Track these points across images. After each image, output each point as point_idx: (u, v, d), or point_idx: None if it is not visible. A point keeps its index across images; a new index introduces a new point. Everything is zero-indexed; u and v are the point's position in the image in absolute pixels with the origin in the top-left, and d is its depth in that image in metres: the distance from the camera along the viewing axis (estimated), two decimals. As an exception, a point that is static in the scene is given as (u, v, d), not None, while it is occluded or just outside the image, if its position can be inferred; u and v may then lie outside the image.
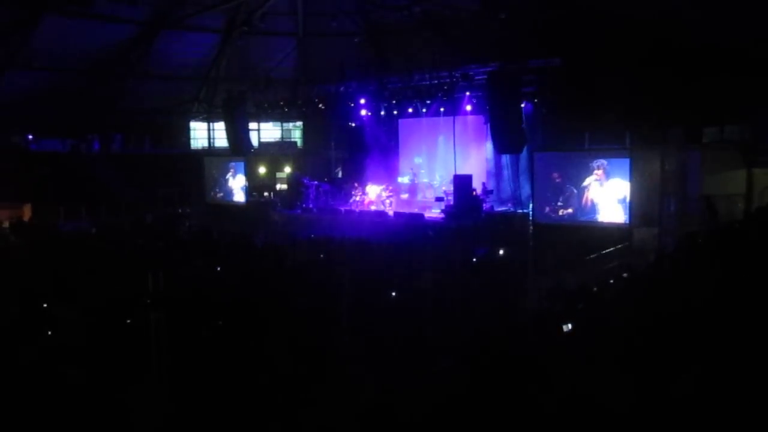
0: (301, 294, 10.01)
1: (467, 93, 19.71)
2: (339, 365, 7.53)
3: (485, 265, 12.89)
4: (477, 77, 18.71)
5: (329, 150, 25.71)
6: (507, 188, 19.88)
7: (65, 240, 16.29)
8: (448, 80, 19.39)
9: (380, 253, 13.99)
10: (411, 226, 18.18)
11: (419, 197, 21.50)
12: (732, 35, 15.28)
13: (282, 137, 28.41)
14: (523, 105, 17.89)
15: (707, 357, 4.94)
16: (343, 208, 20.98)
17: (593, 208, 15.75)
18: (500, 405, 5.23)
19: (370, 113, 22.84)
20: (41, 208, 20.10)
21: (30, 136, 23.45)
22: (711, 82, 14.95)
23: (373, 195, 21.46)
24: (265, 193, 24.45)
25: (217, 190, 24.86)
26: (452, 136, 19.53)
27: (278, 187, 24.82)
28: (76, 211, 20.35)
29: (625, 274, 11.02)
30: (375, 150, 22.96)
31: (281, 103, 24.06)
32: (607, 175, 15.47)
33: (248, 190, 23.66)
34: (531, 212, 17.01)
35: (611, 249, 14.03)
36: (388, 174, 22.29)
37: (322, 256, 13.79)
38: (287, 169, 25.22)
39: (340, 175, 25.71)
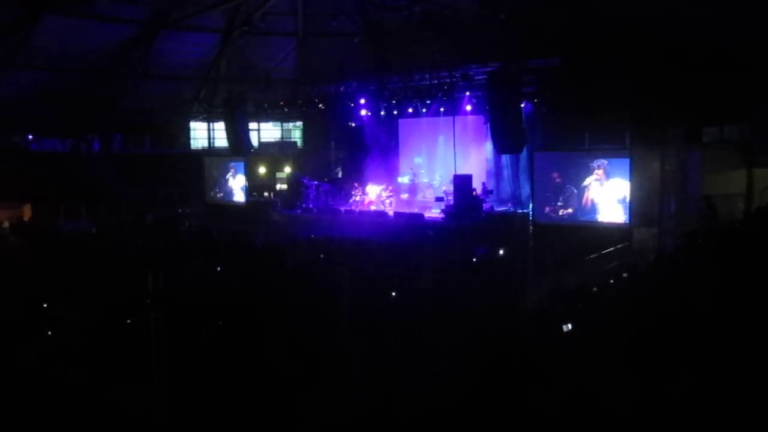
0: (301, 294, 10.02)
1: (467, 93, 19.69)
2: (339, 365, 7.53)
3: (485, 265, 12.89)
4: (477, 77, 18.70)
5: (329, 150, 25.71)
6: (507, 188, 19.87)
7: (65, 240, 16.31)
8: (448, 80, 19.38)
9: (380, 253, 13.99)
10: (411, 226, 18.17)
11: (419, 197, 21.49)
12: (732, 35, 15.27)
13: (282, 137, 28.41)
14: (523, 105, 17.87)
15: (707, 357, 4.94)
16: (343, 208, 20.98)
17: (593, 208, 15.75)
18: (500, 405, 5.23)
19: (370, 113, 22.83)
20: (41, 208, 20.10)
21: (30, 136, 23.46)
22: (711, 82, 14.95)
23: (373, 195, 21.45)
24: (265, 193, 24.46)
25: (217, 190, 24.86)
26: (452, 136, 19.51)
27: (278, 187, 24.83)
28: (76, 211, 20.36)
29: (625, 274, 11.02)
30: (375, 150, 22.95)
31: (281, 103, 24.04)
32: (608, 174, 15.47)
33: (248, 190, 23.67)
34: (531, 212, 17.01)
35: (611, 249, 14.03)
36: (388, 174, 22.28)
37: (322, 256, 13.80)
38: (287, 169, 25.22)
39: (340, 175, 25.70)
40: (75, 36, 21.50)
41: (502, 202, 19.84)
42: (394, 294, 10.24)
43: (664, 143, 15.60)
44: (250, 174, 23.85)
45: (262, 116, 26.22)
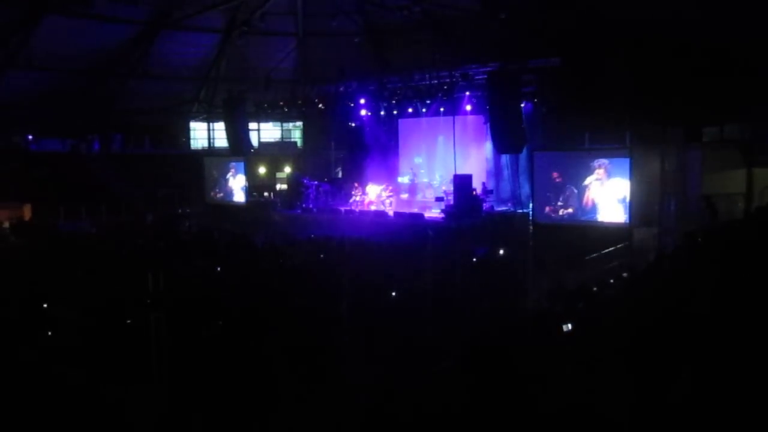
0: (300, 294, 10.02)
1: (467, 93, 19.70)
2: (339, 365, 7.53)
3: (485, 265, 12.89)
4: (477, 77, 18.70)
5: (329, 150, 25.70)
6: (507, 188, 19.88)
7: (65, 240, 16.31)
8: (448, 80, 19.38)
9: (380, 253, 13.99)
10: (411, 226, 18.16)
11: (419, 197, 21.49)
12: (732, 35, 15.27)
13: (282, 137, 28.43)
14: (522, 105, 17.88)
15: (707, 357, 4.94)
16: (343, 208, 20.98)
17: (594, 208, 15.75)
18: (500, 405, 5.23)
19: (370, 113, 22.83)
20: (41, 208, 20.10)
21: (30, 136, 23.46)
22: (711, 81, 14.95)
23: (373, 195, 21.45)
24: (265, 193, 24.46)
25: (217, 190, 24.86)
26: (452, 135, 19.51)
27: (278, 187, 24.83)
28: (76, 211, 20.35)
29: (625, 274, 11.03)
30: (375, 150, 22.95)
31: (281, 103, 24.04)
32: (609, 174, 15.45)
33: (248, 190, 23.66)
34: (531, 212, 17.00)
35: (611, 249, 14.03)
36: (388, 174, 22.28)
37: (322, 256, 13.80)
38: (287, 169, 25.23)
39: (340, 175, 25.70)
40: (75, 36, 21.50)
41: (502, 202, 19.84)
42: (394, 294, 10.24)
43: (664, 143, 15.60)
44: (250, 174, 23.85)
45: (262, 116, 26.22)
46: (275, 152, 26.18)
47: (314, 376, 7.25)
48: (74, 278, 11.13)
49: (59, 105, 22.57)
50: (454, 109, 19.90)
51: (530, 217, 16.86)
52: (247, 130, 24.45)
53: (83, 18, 20.91)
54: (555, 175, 16.41)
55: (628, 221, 15.09)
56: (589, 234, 15.16)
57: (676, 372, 4.84)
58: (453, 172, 19.13)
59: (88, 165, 23.13)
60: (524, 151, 17.98)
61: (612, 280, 11.05)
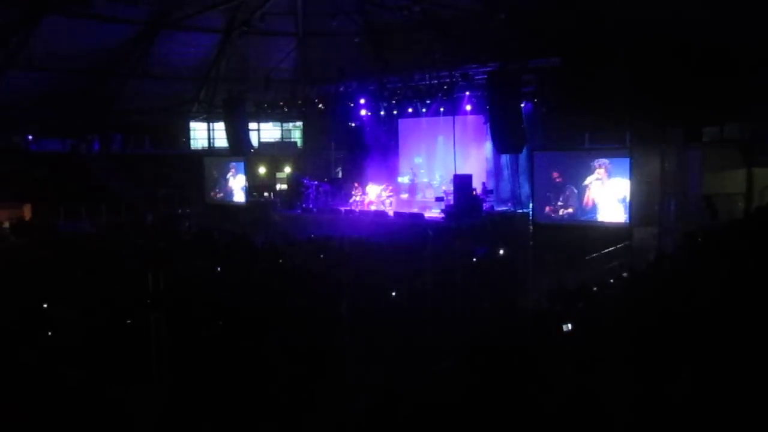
0: (300, 294, 10.01)
1: (467, 93, 19.69)
2: (339, 365, 7.53)
3: (485, 265, 12.88)
4: (477, 77, 18.69)
5: (329, 150, 25.70)
6: (507, 188, 19.87)
7: (65, 240, 16.30)
8: (448, 80, 19.37)
9: (380, 253, 13.98)
10: (411, 226, 18.16)
11: (419, 197, 21.49)
12: (732, 35, 15.27)
13: (282, 137, 28.43)
14: (522, 105, 17.88)
15: (707, 356, 4.94)
16: (343, 208, 20.98)
17: (594, 208, 15.73)
18: (500, 405, 5.23)
19: (370, 113, 22.83)
20: (41, 208, 20.10)
21: (30, 136, 23.46)
22: (711, 81, 14.95)
23: (373, 195, 21.45)
24: (265, 193, 24.46)
25: (217, 190, 24.86)
26: (452, 135, 19.51)
27: (278, 187, 24.83)
28: (76, 211, 20.35)
29: (625, 274, 11.03)
30: (375, 150, 22.96)
31: (281, 103, 24.03)
32: (609, 173, 15.44)
33: (248, 190, 23.65)
34: (531, 212, 17.00)
35: (611, 249, 14.03)
36: (388, 174, 22.28)
37: (322, 256, 13.79)
38: (287, 169, 25.23)
39: (340, 175, 25.70)
40: (75, 36, 21.52)
41: (502, 202, 19.84)
42: (394, 294, 10.24)
43: (664, 143, 15.60)
44: (250, 174, 23.84)
45: (262, 116, 26.22)
46: (275, 152, 26.18)
47: (314, 377, 7.24)
48: (74, 278, 11.13)
49: (59, 105, 22.57)
50: (454, 109, 19.90)
51: (530, 217, 16.85)
52: (247, 130, 24.44)
53: (83, 18, 20.92)
54: (555, 175, 16.40)
55: (628, 221, 15.08)
56: (589, 234, 15.15)
57: (677, 372, 4.84)
58: (453, 172, 19.13)
59: (88, 165, 23.13)
60: (524, 151, 17.97)
61: (612, 280, 11.04)
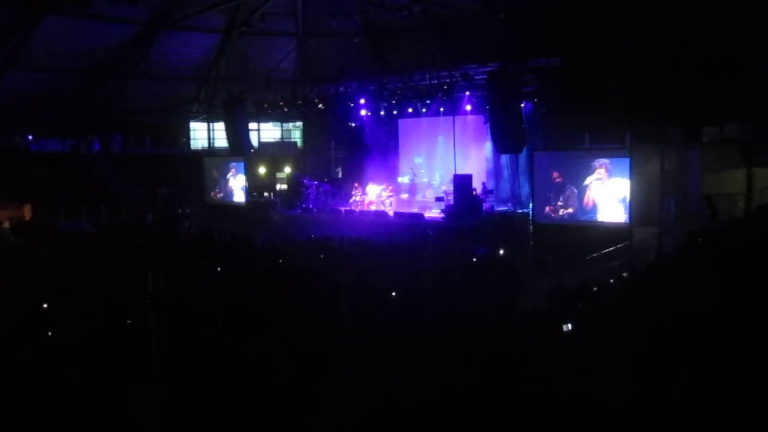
0: (301, 294, 10.01)
1: (467, 93, 19.70)
2: (339, 365, 7.52)
3: (485, 265, 12.87)
4: (477, 77, 18.70)
5: (329, 150, 25.70)
6: (507, 188, 19.87)
7: (65, 240, 16.30)
8: (448, 80, 19.38)
9: (380, 253, 13.98)
10: (411, 226, 18.16)
11: (419, 197, 21.50)
12: (732, 35, 15.27)
13: (282, 137, 28.42)
14: (523, 105, 17.88)
15: (707, 356, 4.94)
16: (343, 208, 20.98)
17: (594, 208, 15.74)
18: (500, 405, 5.23)
19: (370, 113, 22.84)
20: (41, 208, 20.10)
21: (30, 137, 23.46)
22: (711, 81, 14.95)
23: (373, 195, 21.45)
24: (265, 193, 24.46)
25: (217, 190, 24.86)
26: (452, 135, 19.52)
27: (278, 187, 24.83)
28: (76, 211, 20.36)
29: (625, 274, 11.02)
30: (375, 150, 22.96)
31: (281, 103, 24.04)
32: (610, 173, 15.45)
33: (248, 191, 23.66)
34: (531, 212, 17.00)
35: (611, 249, 14.03)
36: (388, 174, 22.29)
37: (321, 256, 13.79)
38: (287, 169, 25.23)
39: (340, 175, 25.71)
40: (75, 36, 21.53)
41: (502, 202, 19.85)
42: (394, 294, 10.23)
43: (664, 143, 15.60)
44: (250, 174, 23.85)
45: (262, 116, 26.22)
46: (275, 152, 26.18)
47: (314, 377, 7.24)
48: (74, 278, 11.13)
49: (59, 105, 22.57)
50: (454, 109, 19.91)
51: (530, 217, 16.85)
52: (247, 130, 24.45)
53: (83, 18, 20.94)
54: (555, 175, 16.40)
55: (628, 221, 15.09)
56: (589, 234, 15.16)
57: (677, 371, 4.83)
58: (453, 172, 19.14)
59: (88, 165, 23.12)
60: (524, 151, 17.98)
61: (612, 280, 11.05)
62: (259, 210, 22.98)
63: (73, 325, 8.90)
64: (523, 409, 5.08)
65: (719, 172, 15.20)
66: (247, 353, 7.77)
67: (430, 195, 21.04)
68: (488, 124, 18.97)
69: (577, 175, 15.99)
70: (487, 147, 20.25)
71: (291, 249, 14.53)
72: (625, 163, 15.21)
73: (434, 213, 19.77)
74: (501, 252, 14.14)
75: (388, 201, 20.98)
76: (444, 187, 20.34)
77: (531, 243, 15.39)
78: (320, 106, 23.32)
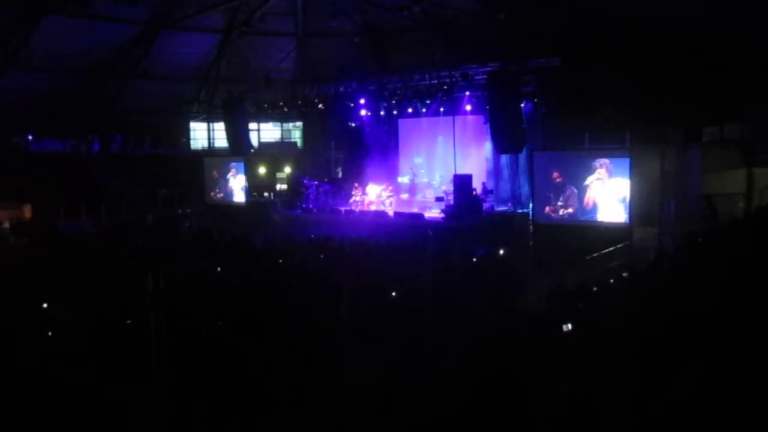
0: (301, 294, 10.01)
1: (467, 93, 19.71)
2: (339, 365, 7.53)
3: (485, 265, 12.87)
4: (477, 77, 18.70)
5: (329, 150, 25.70)
6: (507, 188, 19.88)
7: (65, 240, 16.31)
8: (448, 80, 19.39)
9: (380, 253, 13.98)
10: (411, 226, 18.17)
11: (419, 197, 21.50)
12: (732, 35, 15.27)
13: (282, 137, 28.43)
14: (522, 105, 17.88)
15: (708, 357, 4.94)
16: (343, 208, 20.99)
17: (594, 208, 15.74)
18: (501, 405, 5.23)
19: (370, 113, 22.84)
20: (41, 208, 20.10)
21: (30, 137, 23.45)
22: (711, 81, 14.95)
23: (373, 195, 21.46)
24: (265, 194, 24.47)
25: (217, 190, 24.87)
26: (452, 135, 19.52)
27: (278, 187, 24.84)
28: (76, 211, 20.36)
29: (625, 274, 11.02)
30: (375, 150, 22.97)
31: (281, 103, 24.04)
32: (610, 173, 15.45)
33: (248, 191, 23.67)
34: (531, 212, 17.01)
35: (611, 249, 14.03)
36: (388, 174, 22.29)
37: (322, 256, 13.78)
38: (287, 169, 25.24)
39: (340, 175, 25.71)
40: (75, 36, 21.51)
41: (502, 202, 19.85)
42: (394, 294, 10.23)
43: (664, 143, 15.60)
44: (250, 174, 23.86)
45: (262, 116, 26.22)
46: (275, 152, 26.18)
47: (314, 376, 7.24)
48: (74, 278, 11.13)
49: (59, 105, 22.57)
50: (454, 109, 19.92)
51: (530, 217, 16.86)
52: (247, 130, 24.45)
53: (83, 18, 20.91)
54: (555, 174, 16.40)
55: (628, 221, 15.09)
56: (589, 234, 15.16)
57: (677, 372, 4.83)
58: (453, 172, 19.14)
59: (88, 165, 23.12)
60: (524, 151, 17.98)
61: (612, 280, 11.04)
62: (259, 210, 22.98)
63: (73, 325, 8.91)
64: (523, 410, 5.08)
65: (719, 172, 15.20)
66: (247, 353, 7.77)
67: (430, 195, 21.04)
68: (488, 124, 18.98)
69: (577, 175, 15.99)
70: (487, 147, 20.25)
71: (291, 249, 14.52)
72: (625, 163, 15.21)
73: (434, 213, 19.78)
74: (501, 252, 14.13)
75: (388, 201, 20.98)
76: (444, 187, 20.34)
77: (531, 243, 15.40)
78: (320, 106, 23.32)
